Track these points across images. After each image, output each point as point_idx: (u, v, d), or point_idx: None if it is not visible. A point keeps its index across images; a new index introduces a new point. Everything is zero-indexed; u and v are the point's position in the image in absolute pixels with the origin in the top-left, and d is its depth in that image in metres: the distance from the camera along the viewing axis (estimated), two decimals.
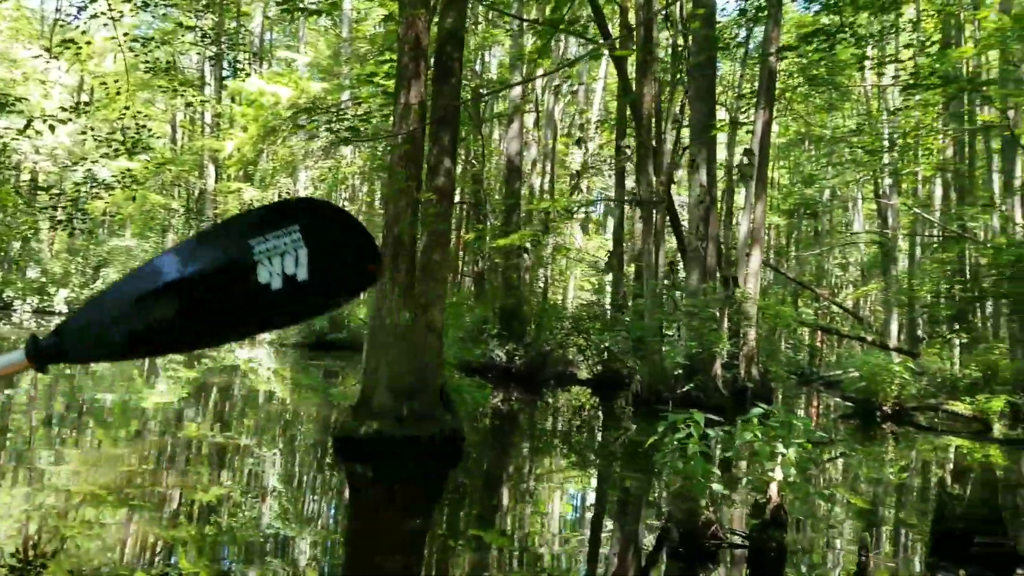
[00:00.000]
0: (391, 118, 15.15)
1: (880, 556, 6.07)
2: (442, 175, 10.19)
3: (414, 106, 9.75)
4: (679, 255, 22.08)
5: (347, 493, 8.66)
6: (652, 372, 18.17)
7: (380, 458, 9.55)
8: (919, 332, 34.46)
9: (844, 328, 31.43)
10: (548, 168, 26.32)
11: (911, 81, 19.03)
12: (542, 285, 25.51)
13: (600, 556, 6.79)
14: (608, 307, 22.60)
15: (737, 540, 6.35)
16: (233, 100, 29.42)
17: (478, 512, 8.04)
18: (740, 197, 22.30)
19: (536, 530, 7.50)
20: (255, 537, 6.43)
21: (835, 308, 35.58)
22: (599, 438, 14.31)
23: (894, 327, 31.72)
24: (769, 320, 22.65)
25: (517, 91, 22.37)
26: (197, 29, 13.98)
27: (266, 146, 22.12)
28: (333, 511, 7.89)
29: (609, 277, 32.17)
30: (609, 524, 8.01)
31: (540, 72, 24.20)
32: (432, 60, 10.49)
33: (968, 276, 27.38)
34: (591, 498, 9.36)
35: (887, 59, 21.32)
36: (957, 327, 26.70)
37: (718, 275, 20.11)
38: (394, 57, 12.11)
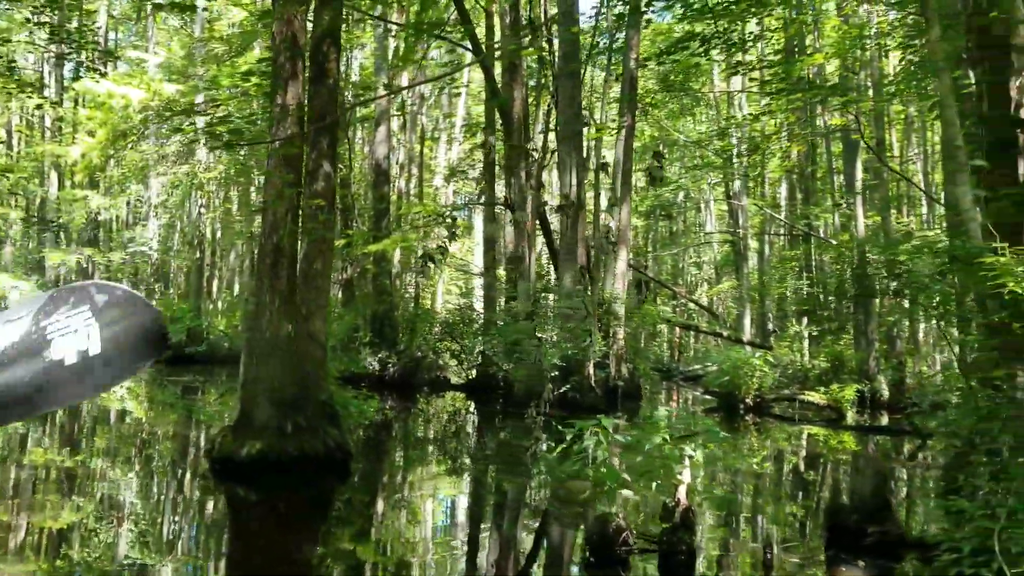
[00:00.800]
0: (257, 121, 14.55)
1: (783, 552, 6.23)
2: (322, 180, 9.80)
3: (292, 108, 9.33)
4: (550, 257, 22.32)
5: (227, 517, 8.16)
6: (528, 374, 18.25)
7: (263, 478, 9.06)
8: (769, 326, 36.35)
9: (702, 324, 32.68)
10: (415, 172, 26.03)
11: (757, 88, 20.02)
12: (412, 290, 25.19)
13: (508, 567, 6.67)
14: (480, 311, 22.55)
15: (647, 545, 6.36)
16: (77, 103, 27.51)
17: (367, 529, 7.75)
18: (604, 200, 22.75)
19: (435, 547, 7.29)
20: (121, 572, 5.92)
21: (692, 305, 36.97)
22: (491, 444, 14.21)
23: (747, 322, 33.27)
24: (637, 319, 23.23)
25: (382, 94, 21.99)
26: (44, 26, 12.90)
27: (116, 151, 20.77)
28: (209, 537, 7.40)
29: (478, 280, 32.19)
30: (516, 534, 7.90)
31: (405, 75, 23.90)
32: (307, 60, 10.07)
33: (814, 272, 29.11)
34: (489, 508, 9.22)
35: (737, 66, 22.30)
36: (805, 321, 28.24)
37: (588, 276, 20.47)
38: (268, 55, 11.58)
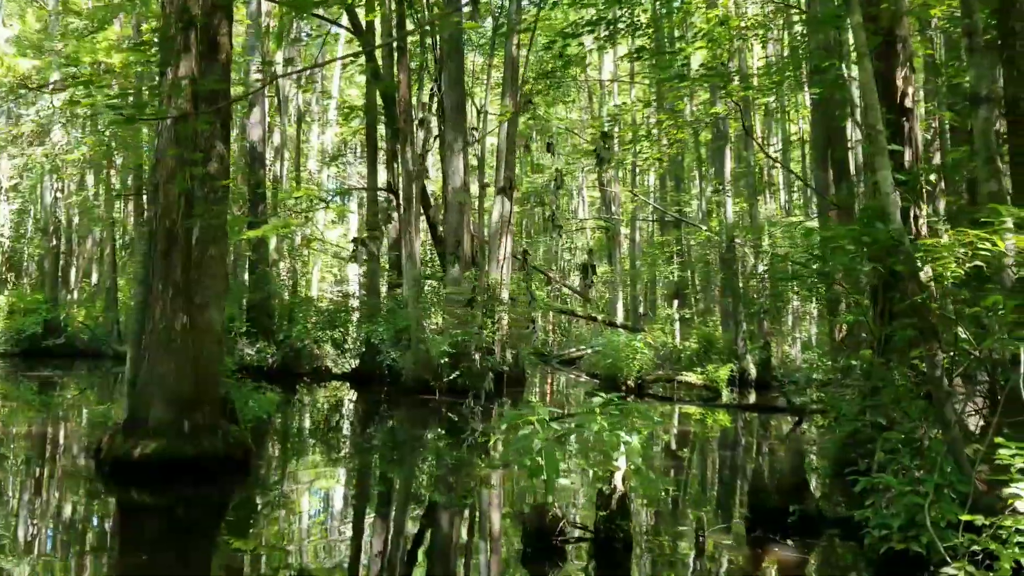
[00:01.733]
0: (131, 96, 13.57)
1: (713, 535, 6.33)
2: (216, 160, 9.23)
3: (185, 83, 8.72)
4: (433, 244, 22.05)
5: (121, 522, 7.58)
6: (417, 362, 17.99)
7: (160, 480, 8.49)
8: (640, 310, 37.39)
9: (578, 310, 33.19)
10: (290, 155, 25.12)
11: (628, 78, 20.44)
12: (288, 278, 24.35)
13: (439, 559, 6.50)
14: (360, 298, 22.05)
15: (584, 534, 6.33)
16: None
17: (270, 532, 7.37)
18: (489, 187, 22.70)
19: (351, 547, 7.04)
20: None
21: (565, 290, 37.53)
22: (381, 434, 13.90)
23: (620, 306, 34.07)
24: (523, 305, 23.33)
25: (256, 76, 21.06)
26: None
27: None
28: (100, 544, 6.83)
29: (353, 268, 31.49)
30: (437, 526, 7.72)
31: (280, 54, 23.01)
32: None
33: (685, 257, 30.11)
34: (408, 503, 8.99)
35: (616, 53, 22.67)
36: (676, 304, 29.15)
37: (473, 263, 20.38)
38: (156, 26, 10.79)
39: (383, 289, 21.64)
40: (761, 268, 25.28)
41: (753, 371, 23.59)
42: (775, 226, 24.09)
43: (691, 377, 21.99)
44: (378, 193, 21.40)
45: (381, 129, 21.50)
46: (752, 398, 21.01)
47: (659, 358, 23.78)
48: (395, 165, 21.07)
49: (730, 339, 24.49)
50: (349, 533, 7.32)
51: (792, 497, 6.78)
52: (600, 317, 32.06)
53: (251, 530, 7.34)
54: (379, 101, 20.45)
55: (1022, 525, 4.59)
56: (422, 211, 20.46)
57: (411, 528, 7.57)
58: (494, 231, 20.56)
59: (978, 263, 5.16)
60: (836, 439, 10.40)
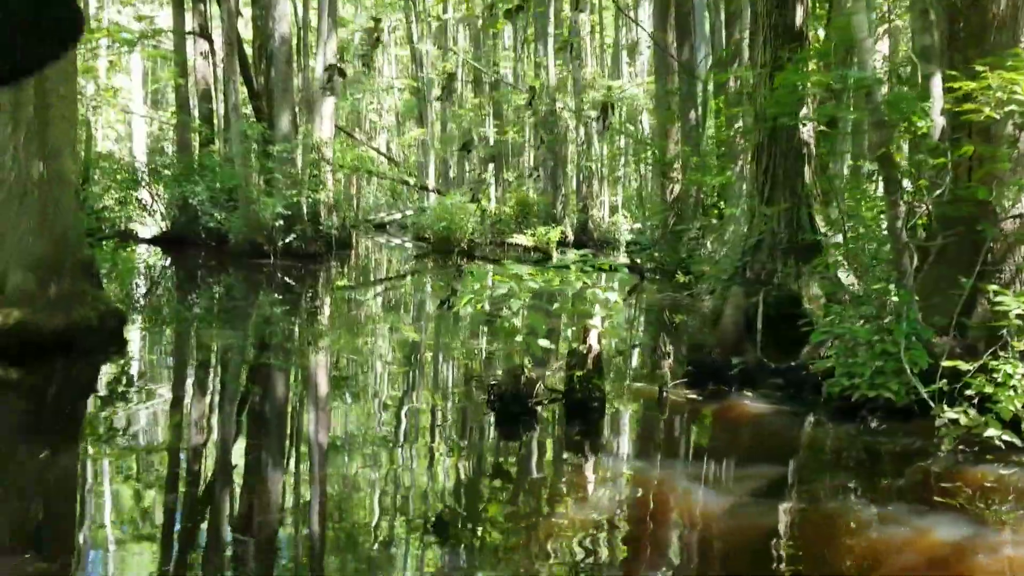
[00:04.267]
0: None
1: (672, 391, 6.37)
2: None
3: None
4: (249, 98, 20.20)
5: None
6: (248, 224, 16.73)
7: (23, 355, 7.32)
8: (451, 174, 37.02)
9: (389, 172, 32.27)
10: None
11: None
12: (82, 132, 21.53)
13: (411, 429, 6.14)
14: (174, 156, 20.02)
15: (559, 396, 6.14)
16: None
17: (163, 411, 6.68)
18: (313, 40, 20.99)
19: (291, 417, 6.52)
20: None
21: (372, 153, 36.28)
22: (274, 304, 12.94)
23: (431, 170, 33.53)
24: (347, 167, 22.25)
25: None
26: None
27: None
28: None
29: (139, 122, 28.46)
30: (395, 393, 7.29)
31: None
32: None
33: (503, 119, 29.79)
34: (338, 366, 8.42)
35: None
36: (492, 167, 29.06)
37: (299, 119, 18.97)
38: None
39: (195, 145, 19.72)
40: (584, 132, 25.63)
41: (571, 234, 24.22)
42: (609, 90, 24.23)
43: (522, 239, 22.23)
44: (186, 38, 19.15)
45: None
46: (555, 258, 21.44)
47: (481, 223, 23.72)
48: (203, 6, 18.85)
49: (547, 203, 24.87)
50: (290, 406, 6.74)
51: (734, 350, 6.97)
52: (412, 181, 31.40)
53: (136, 408, 6.56)
54: None
55: (1018, 368, 4.94)
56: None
57: (359, 398, 7.09)
58: (321, 83, 19.10)
59: (1012, 107, 5.29)
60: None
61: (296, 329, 10.39)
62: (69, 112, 7.99)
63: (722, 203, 16.43)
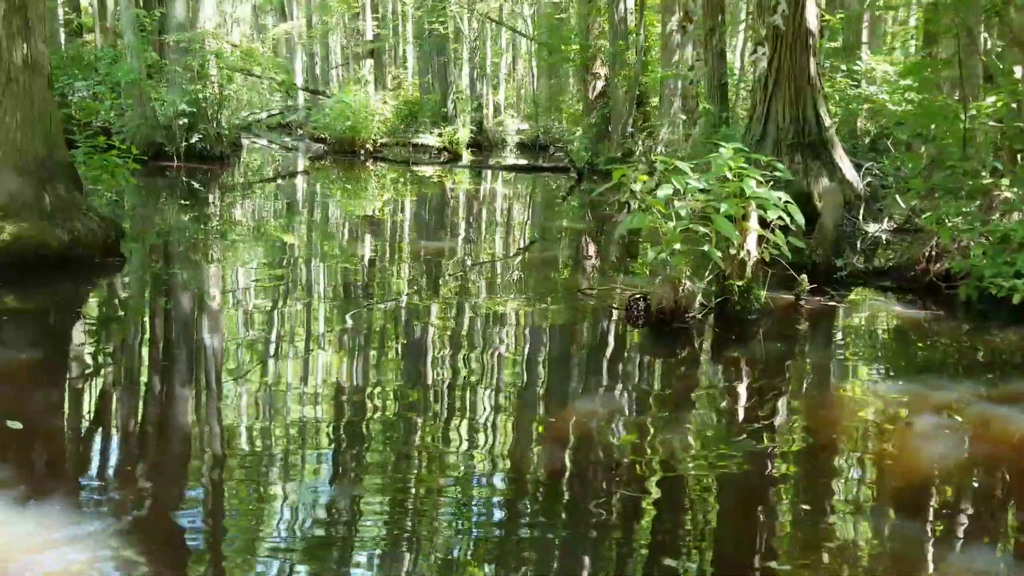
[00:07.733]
0: None
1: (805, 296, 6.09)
2: None
3: None
4: None
5: None
6: (145, 124, 15.04)
7: (24, 274, 6.20)
8: (317, 72, 34.92)
9: (256, 69, 29.94)
10: None
11: None
12: None
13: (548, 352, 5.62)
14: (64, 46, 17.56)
15: (713, 307, 5.70)
16: None
17: (190, 336, 5.94)
18: None
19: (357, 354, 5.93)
20: None
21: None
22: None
23: (298, 66, 31.56)
24: (236, 62, 20.33)
25: None
26: None
27: None
28: None
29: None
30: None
31: None
32: None
33: (380, 12, 28.08)
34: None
35: None
36: (369, 64, 27.52)
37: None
38: None
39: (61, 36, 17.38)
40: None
41: (466, 134, 23.37)
42: None
43: (430, 140, 21.34)
44: None
45: None
46: (466, 158, 20.73)
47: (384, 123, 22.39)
48: None
49: (437, 102, 23.80)
50: (343, 322, 6.10)
51: (836, 252, 6.91)
52: (281, 78, 29.33)
53: (159, 334, 5.77)
54: None
55: None
56: None
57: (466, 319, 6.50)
58: None
59: None
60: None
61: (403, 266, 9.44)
62: None
63: (655, 100, 16.37)
